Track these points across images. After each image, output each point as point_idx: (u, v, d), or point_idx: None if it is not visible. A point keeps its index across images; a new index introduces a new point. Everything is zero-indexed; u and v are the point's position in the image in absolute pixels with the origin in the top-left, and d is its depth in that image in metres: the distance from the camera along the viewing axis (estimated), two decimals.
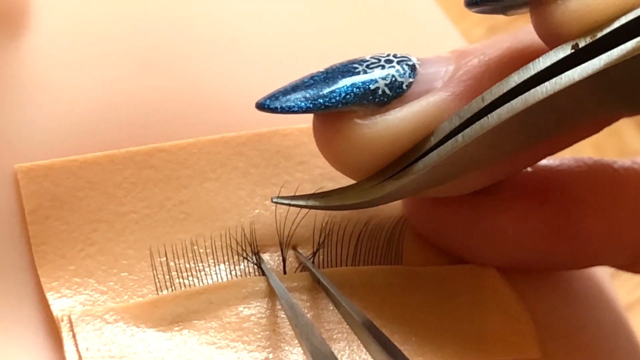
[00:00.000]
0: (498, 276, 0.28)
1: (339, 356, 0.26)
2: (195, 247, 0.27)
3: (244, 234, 0.28)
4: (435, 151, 0.25)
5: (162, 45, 0.29)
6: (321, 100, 0.25)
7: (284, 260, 0.28)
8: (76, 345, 0.25)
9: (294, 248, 0.28)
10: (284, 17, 0.30)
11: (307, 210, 0.28)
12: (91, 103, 0.28)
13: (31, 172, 0.27)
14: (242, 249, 0.27)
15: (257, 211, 0.28)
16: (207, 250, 0.27)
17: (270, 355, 0.26)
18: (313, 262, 0.28)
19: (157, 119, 0.28)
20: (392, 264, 0.28)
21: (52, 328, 0.26)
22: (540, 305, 0.29)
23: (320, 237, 0.28)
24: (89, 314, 0.26)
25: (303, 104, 0.25)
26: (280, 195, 0.28)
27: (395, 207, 0.28)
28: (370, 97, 0.25)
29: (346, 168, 0.26)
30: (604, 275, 0.33)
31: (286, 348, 0.26)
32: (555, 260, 0.29)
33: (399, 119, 0.25)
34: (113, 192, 0.27)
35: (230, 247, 0.27)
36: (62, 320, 0.26)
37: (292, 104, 0.25)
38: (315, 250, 0.28)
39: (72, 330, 0.26)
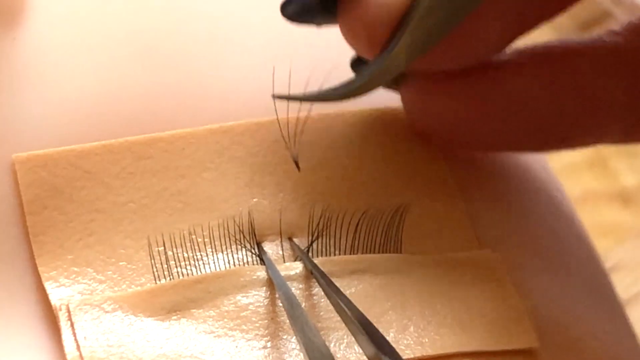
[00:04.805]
0: (496, 265, 0.28)
1: (335, 345, 0.26)
2: (194, 237, 0.27)
3: (242, 223, 0.28)
4: None
5: (160, 36, 0.29)
6: None
7: (282, 249, 0.28)
8: (74, 334, 0.25)
9: (290, 238, 0.28)
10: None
11: (306, 198, 0.28)
12: (89, 93, 0.28)
13: (29, 162, 0.27)
14: (240, 239, 0.27)
15: (255, 200, 0.28)
16: (205, 240, 0.27)
17: (268, 344, 0.26)
18: (309, 251, 0.28)
19: (154, 109, 0.28)
20: (391, 252, 0.28)
21: (50, 317, 0.26)
22: (540, 296, 0.29)
23: (318, 225, 0.28)
24: (87, 303, 0.26)
25: None
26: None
27: (394, 196, 0.29)
28: None
29: (371, 30, 0.27)
30: (604, 271, 0.33)
31: (284, 337, 0.26)
32: (560, 127, 0.29)
33: None
34: (111, 182, 0.27)
35: (229, 236, 0.27)
36: (60, 310, 0.26)
37: None
38: (312, 240, 0.28)
39: (70, 319, 0.26)
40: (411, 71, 0.28)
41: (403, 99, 0.30)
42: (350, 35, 0.28)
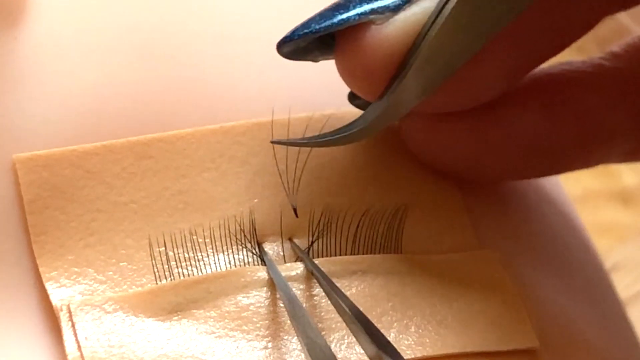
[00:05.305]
0: (497, 265, 0.28)
1: (336, 345, 0.26)
2: (194, 237, 0.27)
3: (243, 224, 0.28)
4: (430, 30, 0.26)
5: (160, 35, 0.29)
6: (339, 16, 0.26)
7: (283, 250, 0.28)
8: (75, 334, 0.25)
9: (291, 239, 0.28)
10: (281, 6, 0.31)
11: (306, 198, 0.28)
12: (90, 93, 0.28)
13: (30, 162, 0.27)
14: (241, 239, 0.27)
15: (256, 201, 0.28)
16: (206, 240, 0.27)
17: (269, 345, 0.26)
18: (310, 252, 0.28)
19: (155, 109, 0.28)
20: (391, 252, 0.28)
21: (51, 318, 0.26)
22: (540, 296, 0.29)
23: (318, 226, 0.28)
24: (88, 304, 0.26)
25: (323, 24, 0.26)
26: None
27: (394, 196, 0.29)
28: (386, 5, 0.26)
29: (369, 73, 0.26)
30: (604, 271, 0.33)
31: (285, 337, 0.26)
32: (563, 156, 0.29)
33: (416, 12, 0.26)
34: (112, 181, 0.27)
35: (229, 236, 0.27)
36: (61, 310, 0.26)
37: (311, 27, 0.26)
38: (312, 241, 0.28)
39: (71, 319, 0.26)
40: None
41: (403, 133, 0.29)
42: (347, 76, 0.27)
